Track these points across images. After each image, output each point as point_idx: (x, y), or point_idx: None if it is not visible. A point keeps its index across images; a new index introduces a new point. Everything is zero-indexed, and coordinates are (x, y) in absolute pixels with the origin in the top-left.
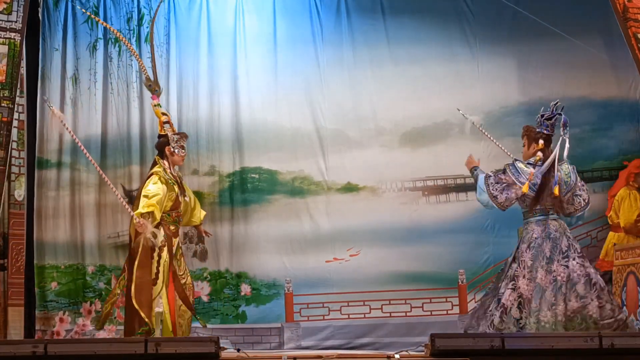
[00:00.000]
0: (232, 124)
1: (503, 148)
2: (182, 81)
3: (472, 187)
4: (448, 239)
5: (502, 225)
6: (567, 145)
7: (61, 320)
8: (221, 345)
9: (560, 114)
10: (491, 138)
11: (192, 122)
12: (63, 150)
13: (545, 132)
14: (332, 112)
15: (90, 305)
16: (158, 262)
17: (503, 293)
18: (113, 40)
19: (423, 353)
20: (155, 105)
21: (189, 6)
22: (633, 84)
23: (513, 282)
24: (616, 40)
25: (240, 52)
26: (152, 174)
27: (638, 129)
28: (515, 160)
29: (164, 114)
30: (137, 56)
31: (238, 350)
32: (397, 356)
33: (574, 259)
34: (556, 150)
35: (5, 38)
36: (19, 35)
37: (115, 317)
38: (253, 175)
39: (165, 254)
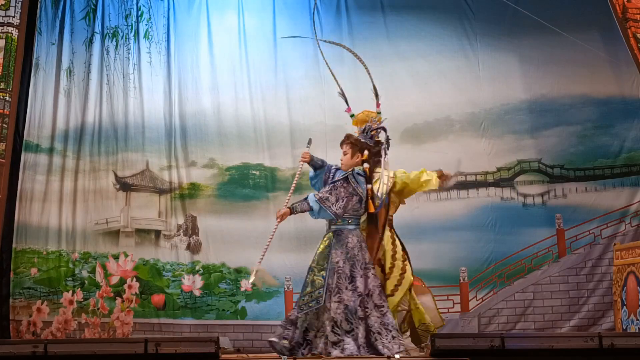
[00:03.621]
0: (233, 119)
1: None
2: (181, 76)
3: (474, 185)
4: (449, 236)
5: (503, 222)
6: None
7: (39, 310)
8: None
9: (384, 128)
10: None
11: (190, 115)
12: (55, 137)
13: (370, 143)
14: (331, 108)
15: (72, 295)
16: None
17: (330, 308)
18: (110, 34)
19: (423, 353)
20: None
21: (188, 4)
22: (635, 81)
23: (338, 294)
24: (617, 37)
25: (241, 49)
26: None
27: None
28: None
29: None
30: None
31: (238, 350)
32: (397, 356)
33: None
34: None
35: (3, 32)
36: (16, 30)
37: (98, 309)
38: (254, 172)
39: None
